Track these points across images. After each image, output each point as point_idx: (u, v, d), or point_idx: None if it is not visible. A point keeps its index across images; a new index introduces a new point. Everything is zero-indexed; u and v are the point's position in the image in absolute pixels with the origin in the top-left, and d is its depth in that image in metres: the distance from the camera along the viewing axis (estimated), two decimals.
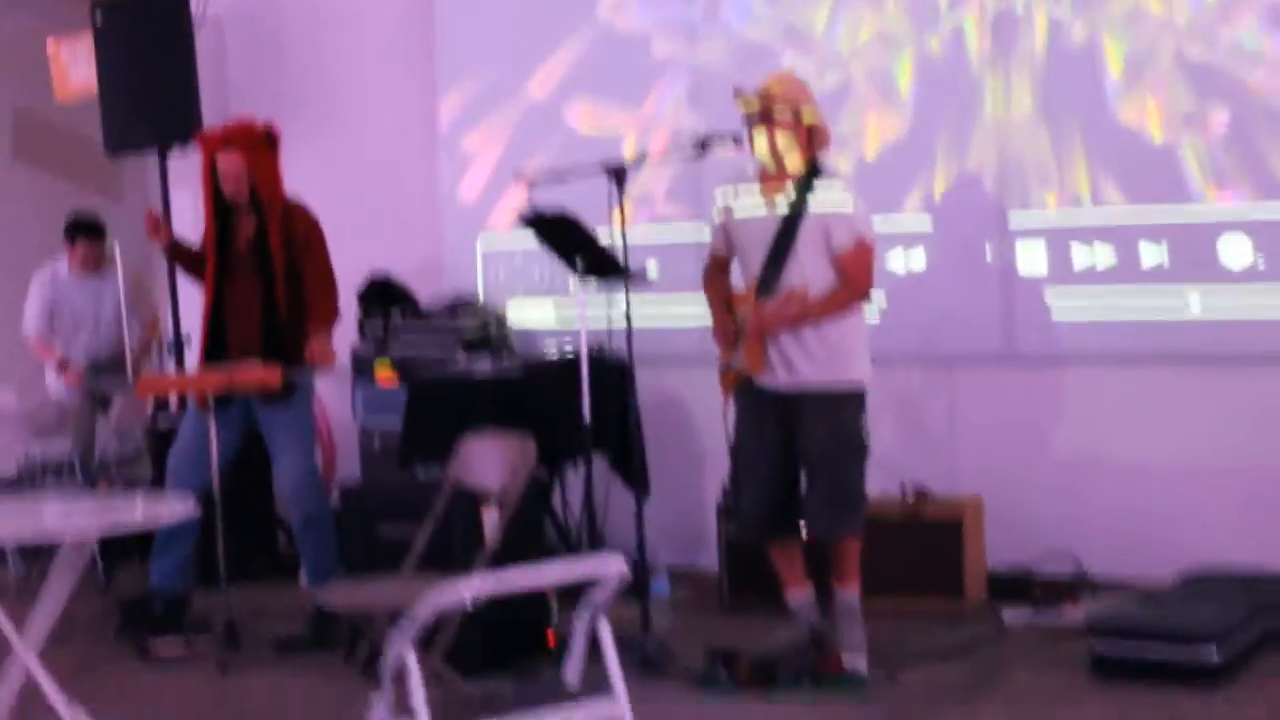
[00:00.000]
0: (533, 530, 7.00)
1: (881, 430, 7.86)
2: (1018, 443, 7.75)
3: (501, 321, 8.63)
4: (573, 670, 4.43)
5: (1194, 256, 7.29)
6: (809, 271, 6.51)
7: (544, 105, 8.80)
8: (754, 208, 6.65)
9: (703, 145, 6.74)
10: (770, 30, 8.20)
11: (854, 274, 6.51)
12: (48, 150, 10.42)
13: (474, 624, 6.59)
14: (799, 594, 6.79)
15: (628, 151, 8.31)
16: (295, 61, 9.68)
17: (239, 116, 7.86)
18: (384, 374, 8.54)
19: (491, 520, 6.76)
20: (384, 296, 8.73)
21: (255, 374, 7.25)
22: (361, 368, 8.65)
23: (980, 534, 7.42)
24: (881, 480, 7.39)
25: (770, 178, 6.61)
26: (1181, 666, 6.05)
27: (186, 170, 9.33)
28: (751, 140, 6.60)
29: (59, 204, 9.68)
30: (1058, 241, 7.57)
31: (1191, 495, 7.38)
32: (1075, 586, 7.32)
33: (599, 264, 6.85)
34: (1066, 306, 7.56)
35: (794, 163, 6.55)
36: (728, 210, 6.74)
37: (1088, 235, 7.50)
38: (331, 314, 7.51)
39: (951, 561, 7.28)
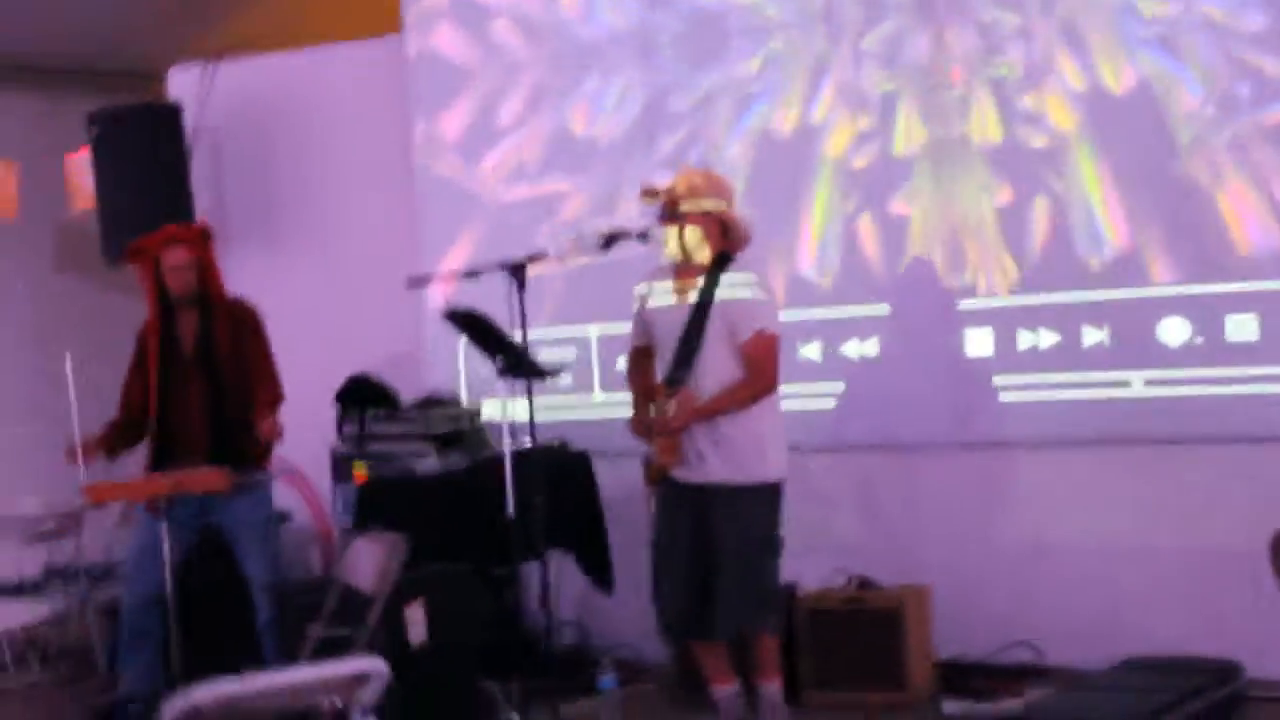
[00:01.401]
0: (464, 627, 7.01)
1: (837, 519, 7.91)
2: (973, 530, 7.69)
3: (475, 417, 8.67)
4: None
5: (1135, 338, 7.24)
6: (717, 363, 6.55)
7: (517, 204, 8.89)
8: (667, 299, 6.71)
9: (608, 242, 6.79)
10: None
11: (756, 366, 6.54)
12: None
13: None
14: (723, 689, 6.78)
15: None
16: (286, 171, 9.83)
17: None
18: (360, 473, 8.60)
19: (415, 617, 6.84)
20: (363, 396, 8.78)
21: (203, 478, 7.33)
22: (339, 467, 8.73)
23: (925, 623, 7.34)
24: (831, 570, 7.42)
25: (682, 271, 6.67)
26: None
27: None
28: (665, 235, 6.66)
29: None
30: (1003, 326, 7.53)
31: (1141, 579, 7.28)
32: (1021, 676, 7.23)
33: (517, 362, 6.89)
34: (1014, 391, 7.52)
35: (703, 256, 6.60)
36: (643, 301, 6.80)
37: (1032, 320, 7.46)
38: (276, 397, 7.61)
39: (893, 652, 7.20)
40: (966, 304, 7.62)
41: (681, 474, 6.62)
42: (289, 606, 7.29)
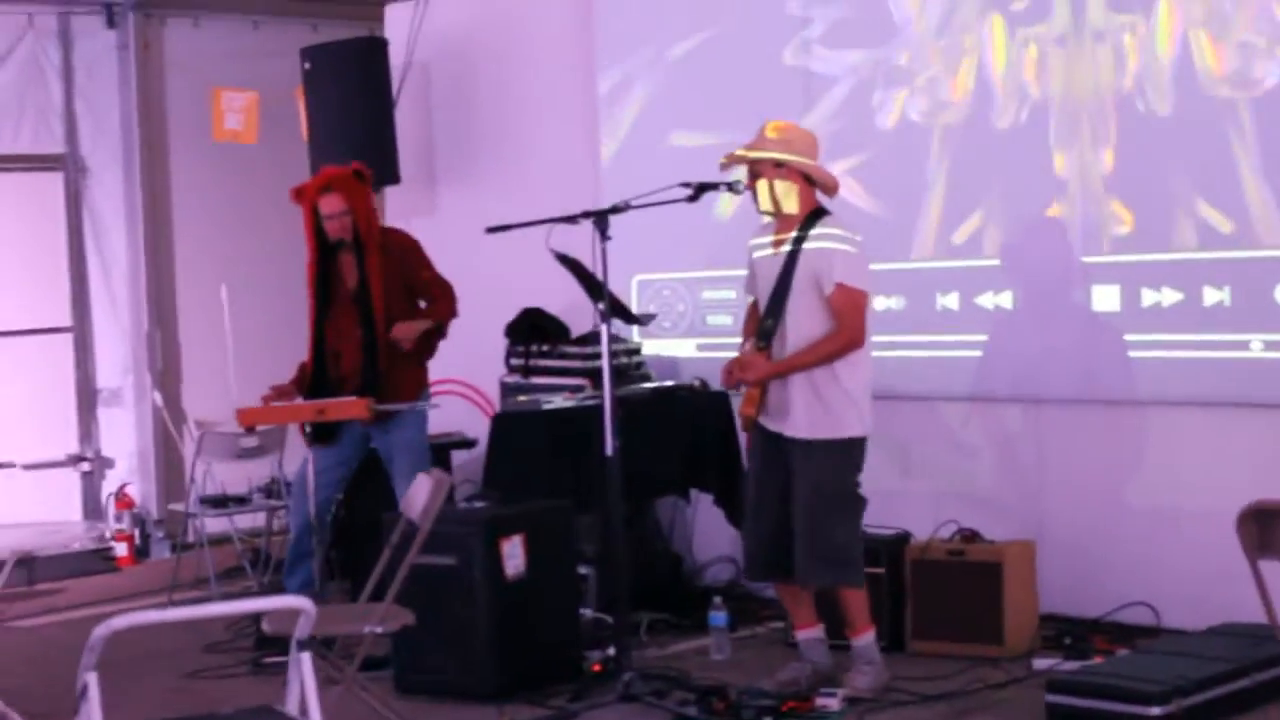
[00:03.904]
0: (562, 560, 7.23)
1: (964, 469, 7.92)
2: (1096, 486, 7.63)
3: (634, 352, 8.85)
4: (290, 699, 4.69)
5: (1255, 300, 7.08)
6: (802, 314, 6.64)
7: (694, 151, 8.99)
8: (767, 251, 6.82)
9: (696, 193, 6.89)
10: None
11: (840, 320, 6.59)
12: None
13: (488, 649, 6.91)
14: (805, 634, 6.89)
15: None
16: (487, 106, 10.09)
17: (330, 166, 8.26)
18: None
19: (511, 549, 7.08)
20: (531, 329, 9.04)
21: (346, 406, 7.67)
22: (505, 398, 9.00)
23: (1028, 578, 7.30)
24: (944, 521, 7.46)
25: (780, 224, 6.78)
26: None
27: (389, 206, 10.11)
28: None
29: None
30: (1129, 283, 7.43)
31: None
32: (1132, 637, 7.16)
33: (612, 307, 7.06)
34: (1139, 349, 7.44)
35: (791, 206, 6.68)
36: (751, 254, 6.92)
37: (1155, 279, 7.35)
38: (446, 311, 8.01)
39: (993, 605, 7.17)
40: (1092, 260, 7.53)
41: (767, 421, 6.74)
42: None
